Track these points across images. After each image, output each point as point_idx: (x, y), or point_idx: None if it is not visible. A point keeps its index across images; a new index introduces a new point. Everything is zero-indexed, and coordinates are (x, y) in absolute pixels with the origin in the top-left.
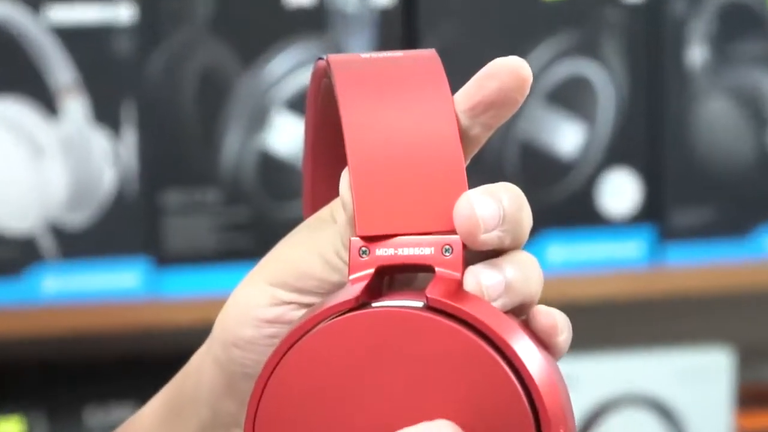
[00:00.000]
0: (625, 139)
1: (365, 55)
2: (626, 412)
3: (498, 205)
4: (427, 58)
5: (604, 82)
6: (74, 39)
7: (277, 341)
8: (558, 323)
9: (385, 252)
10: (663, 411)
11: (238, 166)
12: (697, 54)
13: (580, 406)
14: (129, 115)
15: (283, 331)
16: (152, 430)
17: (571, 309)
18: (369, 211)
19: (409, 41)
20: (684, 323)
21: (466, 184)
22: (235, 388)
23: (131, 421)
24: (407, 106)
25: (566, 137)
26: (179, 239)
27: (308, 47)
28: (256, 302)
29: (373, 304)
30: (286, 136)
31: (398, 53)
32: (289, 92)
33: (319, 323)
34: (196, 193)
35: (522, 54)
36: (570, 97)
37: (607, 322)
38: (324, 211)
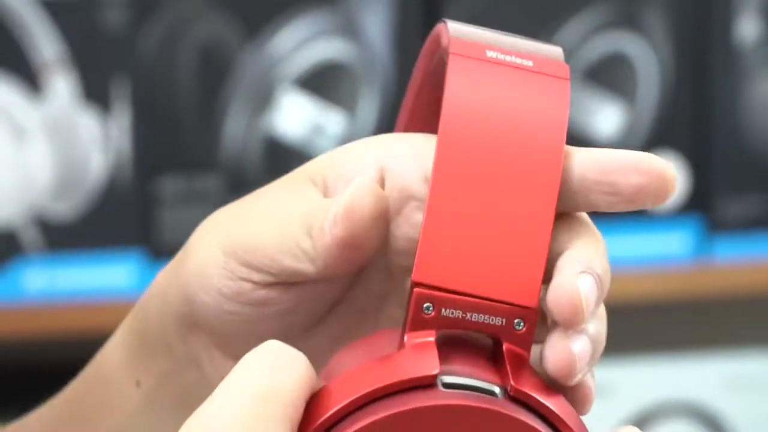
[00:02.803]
0: (669, 121)
1: (491, 54)
2: (668, 423)
3: (596, 282)
4: (556, 80)
5: (646, 58)
6: (60, 10)
7: (237, 318)
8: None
9: (452, 314)
10: (709, 422)
11: (241, 151)
12: (748, 27)
13: (617, 416)
14: (121, 94)
15: (245, 311)
16: (121, 366)
17: (608, 309)
18: (439, 255)
19: (431, 13)
20: (733, 325)
21: (546, 255)
22: (201, 322)
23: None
24: (515, 143)
25: (605, 119)
26: (176, 231)
27: (317, 19)
28: (212, 270)
29: (444, 379)
30: (293, 117)
31: (527, 59)
32: (297, 69)
33: (385, 396)
34: (195, 181)
35: (555, 28)
36: (609, 75)
37: (648, 324)
38: (314, 170)
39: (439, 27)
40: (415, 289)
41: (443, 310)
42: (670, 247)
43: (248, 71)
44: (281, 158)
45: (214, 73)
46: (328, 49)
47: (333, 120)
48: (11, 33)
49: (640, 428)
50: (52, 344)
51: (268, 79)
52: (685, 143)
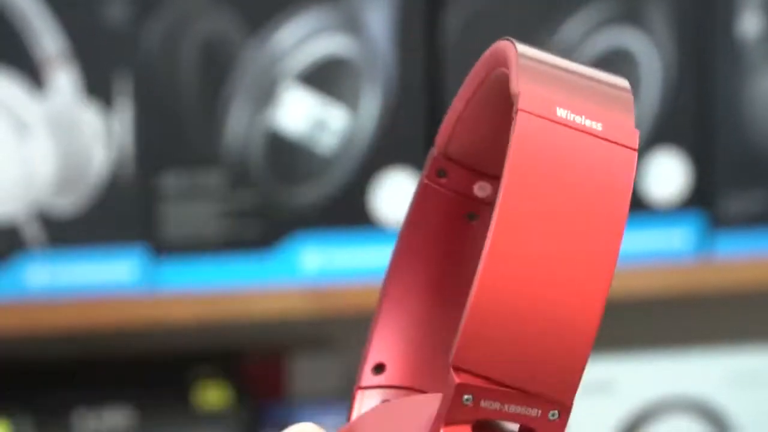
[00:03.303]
0: (671, 117)
1: (561, 113)
2: (670, 420)
3: None
4: (623, 149)
5: (648, 54)
6: (63, 5)
7: None
8: None
9: (490, 405)
10: (712, 418)
11: (244, 147)
12: (751, 23)
13: (618, 412)
14: (123, 89)
15: None
16: None
17: (611, 305)
18: (482, 341)
19: (433, 8)
20: (735, 321)
21: (591, 348)
22: None
23: None
24: (572, 227)
25: None
26: (179, 227)
27: (320, 15)
28: None
29: None
30: (296, 113)
31: (597, 120)
32: (300, 65)
33: None
34: (198, 176)
35: (558, 23)
36: (611, 71)
37: (650, 320)
38: None
39: (504, 46)
40: (458, 381)
41: (482, 401)
42: (672, 242)
43: (251, 67)
44: (284, 154)
45: (217, 69)
46: (331, 44)
47: (335, 116)
48: (14, 28)
49: (642, 424)
50: (55, 340)
51: (270, 75)
52: (688, 139)
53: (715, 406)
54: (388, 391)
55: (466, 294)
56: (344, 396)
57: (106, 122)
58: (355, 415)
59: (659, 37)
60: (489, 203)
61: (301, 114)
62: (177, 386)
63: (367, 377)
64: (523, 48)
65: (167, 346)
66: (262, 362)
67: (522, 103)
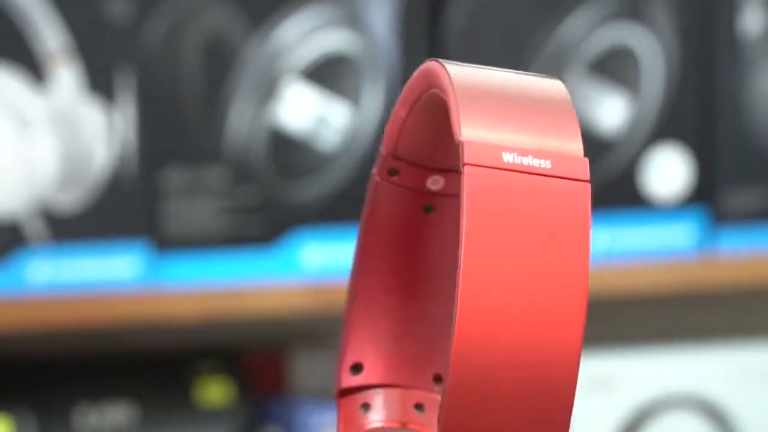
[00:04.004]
0: (673, 113)
1: (507, 158)
2: (673, 416)
3: None
4: (576, 183)
5: (650, 50)
6: (65, 1)
7: None
8: None
9: None
10: (715, 415)
11: (246, 143)
12: (752, 19)
13: (620, 409)
14: (125, 85)
15: None
16: None
17: (612, 301)
18: (465, 414)
19: (435, 4)
20: (738, 317)
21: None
22: None
23: None
24: (537, 263)
25: (609, 111)
26: (181, 223)
27: (322, 10)
28: None
29: None
30: (298, 109)
31: (545, 157)
32: (302, 61)
33: None
34: (200, 172)
35: (560, 19)
36: (613, 67)
37: (652, 316)
38: None
39: (438, 72)
40: None
41: None
42: (674, 239)
43: (253, 63)
44: (286, 150)
45: (219, 65)
46: (333, 41)
47: (337, 112)
48: (16, 24)
49: (644, 421)
50: (57, 336)
51: (272, 71)
52: (690, 135)
53: (718, 403)
54: (368, 392)
55: (430, 283)
56: None
57: (108, 118)
58: (342, 425)
59: (661, 34)
60: (443, 195)
61: (304, 110)
62: (178, 382)
63: (346, 378)
64: (455, 74)
65: (169, 343)
66: (264, 358)
67: (467, 156)
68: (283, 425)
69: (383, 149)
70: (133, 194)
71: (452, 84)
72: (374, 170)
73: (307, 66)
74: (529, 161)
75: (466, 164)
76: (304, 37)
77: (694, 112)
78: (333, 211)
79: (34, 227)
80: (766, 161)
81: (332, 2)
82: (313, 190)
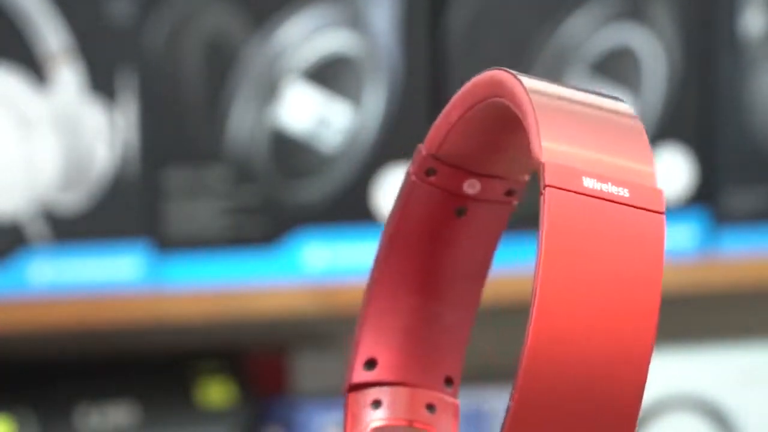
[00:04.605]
0: (674, 113)
1: (588, 183)
2: (674, 417)
3: None
4: (652, 215)
5: (652, 50)
6: (66, 1)
7: None
8: None
9: None
10: (717, 416)
11: (247, 143)
12: (754, 20)
13: None
14: (127, 85)
15: None
16: None
17: None
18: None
19: (437, 4)
20: (740, 318)
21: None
22: None
23: None
24: (612, 291)
25: None
26: (182, 223)
27: (323, 11)
28: None
29: None
30: (299, 109)
31: (623, 186)
32: (303, 61)
33: None
34: (201, 173)
35: (561, 20)
36: (614, 68)
37: None
38: None
39: (510, 82)
40: None
41: None
42: (676, 239)
43: (254, 63)
44: (287, 150)
45: (221, 65)
46: (334, 41)
47: (339, 112)
48: (18, 24)
49: (646, 422)
50: (58, 336)
51: (274, 71)
52: (691, 136)
53: (719, 404)
54: (380, 388)
55: (452, 286)
56: None
57: (110, 119)
58: (350, 419)
59: (663, 34)
60: (478, 199)
61: (305, 111)
62: (180, 383)
63: (359, 373)
64: (532, 88)
65: (170, 343)
66: (265, 359)
67: (549, 178)
68: (285, 426)
69: (424, 149)
70: (134, 194)
71: (531, 100)
72: (410, 169)
73: (309, 66)
74: (608, 188)
75: (548, 186)
76: (305, 37)
77: (695, 113)
78: (334, 211)
79: (36, 227)
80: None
81: (333, 3)
82: (314, 190)
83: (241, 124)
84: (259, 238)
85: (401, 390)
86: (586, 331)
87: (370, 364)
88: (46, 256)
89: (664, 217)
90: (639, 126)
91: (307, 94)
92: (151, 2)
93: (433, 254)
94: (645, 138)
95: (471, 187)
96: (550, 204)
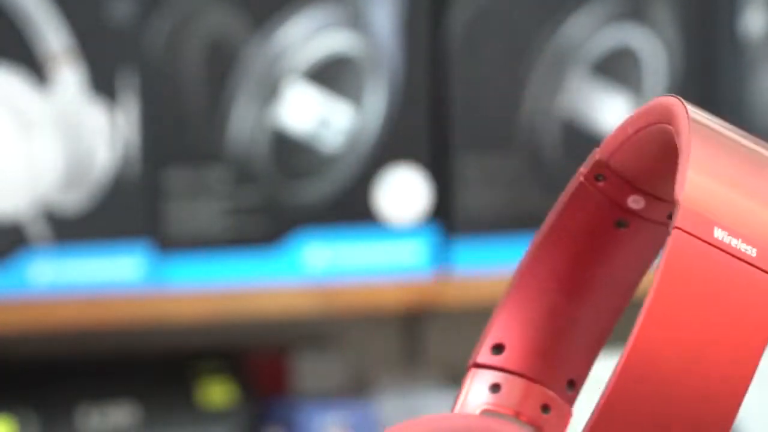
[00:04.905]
0: None
1: (718, 234)
2: None
3: None
4: None
5: (653, 51)
6: (68, 2)
7: None
8: None
9: None
10: None
11: (248, 144)
12: (755, 20)
13: None
14: (128, 85)
15: None
16: None
17: None
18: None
19: (438, 4)
20: None
21: None
22: None
23: None
24: (711, 347)
25: (611, 112)
26: (183, 223)
27: (324, 11)
28: None
29: None
30: (300, 110)
31: (753, 244)
32: (304, 61)
33: None
34: (202, 173)
35: (561, 21)
36: (615, 68)
37: None
38: None
39: (679, 113)
40: None
41: None
42: None
43: (255, 64)
44: (288, 151)
45: (221, 66)
46: (335, 41)
47: (340, 113)
48: (19, 25)
49: None
50: (59, 337)
51: (274, 72)
52: None
53: None
54: (500, 374)
55: (595, 294)
56: (348, 393)
57: (111, 119)
58: (463, 394)
59: (663, 35)
60: (640, 216)
61: (306, 111)
62: (181, 383)
63: (484, 355)
64: (696, 126)
65: (171, 343)
66: (266, 359)
67: (680, 220)
68: (286, 426)
69: (599, 153)
70: (135, 195)
71: (690, 135)
72: (582, 169)
73: (310, 67)
74: (736, 244)
75: (677, 228)
76: (306, 37)
77: None
78: (335, 211)
79: (37, 228)
80: None
81: (334, 3)
82: (315, 190)
83: (241, 124)
84: (259, 239)
85: (520, 381)
86: (673, 385)
87: (498, 348)
88: (47, 257)
89: None
90: None
91: (307, 94)
92: (151, 2)
93: (586, 258)
94: None
95: (636, 202)
96: (673, 246)
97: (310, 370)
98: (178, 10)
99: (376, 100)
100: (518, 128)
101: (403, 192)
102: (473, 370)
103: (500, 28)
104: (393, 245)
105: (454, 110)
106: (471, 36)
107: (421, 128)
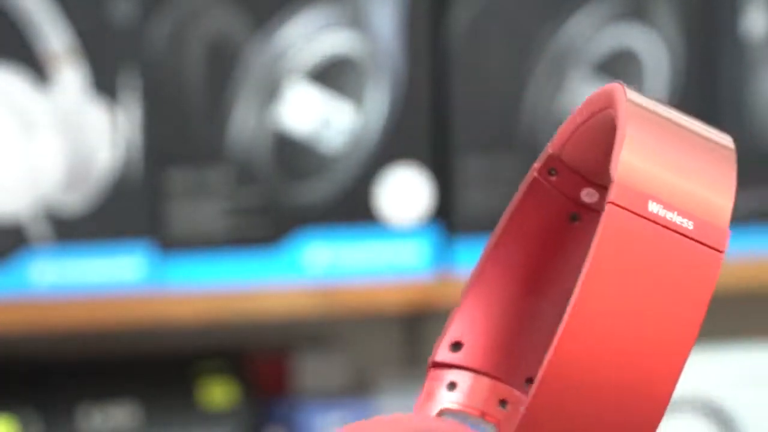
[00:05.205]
0: None
1: (653, 208)
2: (677, 419)
3: None
4: (710, 252)
5: (654, 51)
6: (69, 2)
7: None
8: None
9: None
10: (720, 418)
11: (250, 144)
12: (756, 22)
13: None
14: (129, 86)
15: None
16: None
17: None
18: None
19: (438, 5)
20: (747, 318)
21: None
22: None
23: None
24: (648, 318)
25: None
26: (185, 224)
27: (326, 12)
28: None
29: None
30: (301, 110)
31: (689, 217)
32: (305, 62)
33: None
34: (204, 173)
35: (563, 21)
36: (616, 68)
37: None
38: None
39: (615, 90)
40: None
41: None
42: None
43: (256, 64)
44: (289, 151)
45: (223, 66)
46: (337, 42)
47: (341, 113)
48: (21, 25)
49: None
50: (60, 337)
51: (276, 72)
52: None
53: (724, 406)
54: (458, 372)
55: (552, 287)
56: (349, 393)
57: (112, 119)
58: (423, 394)
59: (665, 35)
60: (593, 209)
61: (307, 111)
62: (182, 383)
63: (443, 353)
64: (632, 107)
65: (173, 344)
66: (268, 359)
67: (614, 195)
68: (287, 426)
69: (550, 147)
70: (137, 195)
71: (626, 113)
72: (536, 164)
73: (311, 67)
74: (672, 217)
75: (610, 203)
76: (307, 38)
77: (697, 114)
78: (336, 212)
79: (38, 228)
80: None
81: (336, 3)
82: (316, 191)
83: (243, 124)
84: (261, 239)
85: (480, 379)
86: (611, 355)
87: (456, 345)
88: (49, 257)
89: (721, 256)
90: (730, 159)
91: (309, 94)
92: (153, 3)
93: (542, 254)
94: (732, 173)
95: (589, 195)
96: (607, 221)
97: (311, 370)
98: (180, 11)
99: (378, 101)
100: (519, 128)
101: (404, 192)
102: (432, 370)
103: (501, 29)
104: (394, 245)
105: (455, 110)
106: (472, 36)
107: (422, 128)
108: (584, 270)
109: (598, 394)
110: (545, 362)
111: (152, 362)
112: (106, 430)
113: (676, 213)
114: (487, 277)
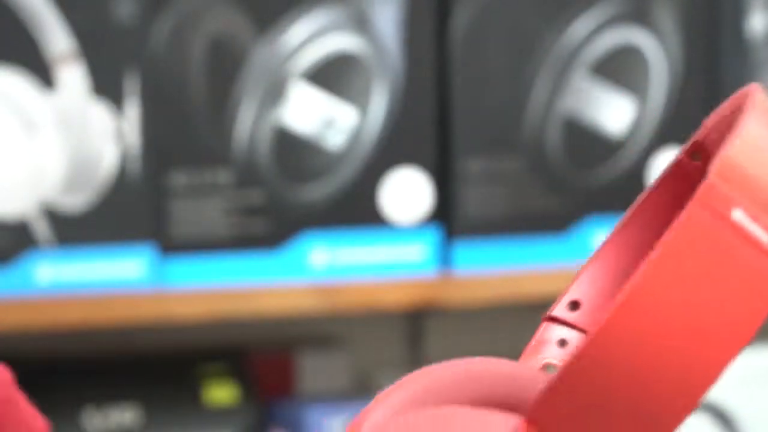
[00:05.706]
0: (678, 115)
1: (736, 215)
2: None
3: None
4: None
5: (656, 52)
6: (72, 2)
7: None
8: None
9: None
10: (721, 417)
11: (252, 144)
12: (758, 21)
13: None
14: (132, 87)
15: None
16: None
17: None
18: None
19: (441, 6)
20: None
21: None
22: None
23: None
24: (699, 328)
25: (614, 113)
26: (187, 225)
27: (328, 12)
28: None
29: None
30: (304, 111)
31: None
32: (308, 63)
33: None
34: (206, 174)
35: (565, 22)
36: (618, 69)
37: None
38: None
39: (751, 92)
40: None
41: None
42: None
43: (259, 65)
44: (292, 151)
45: (226, 67)
46: (339, 42)
47: (344, 113)
48: (23, 26)
49: None
50: (63, 337)
51: (279, 73)
52: None
53: (725, 405)
54: (572, 331)
55: None
56: (353, 393)
57: (114, 120)
58: (532, 344)
59: (666, 36)
60: None
61: (310, 112)
62: (185, 383)
63: (560, 309)
64: (762, 106)
65: (175, 344)
66: (271, 359)
67: (700, 194)
68: (290, 426)
69: (698, 134)
70: (139, 196)
71: (749, 113)
72: (682, 148)
73: (314, 68)
74: (752, 228)
75: (695, 198)
76: (310, 38)
77: (699, 114)
78: (339, 212)
79: (41, 229)
80: None
81: (338, 4)
82: (319, 191)
83: (245, 125)
84: (263, 239)
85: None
86: (658, 339)
87: (574, 305)
88: (51, 257)
89: None
90: None
91: (311, 95)
92: (156, 4)
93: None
94: None
95: None
96: (685, 218)
97: (313, 370)
98: (182, 11)
99: (380, 102)
100: (521, 129)
101: (406, 193)
102: (546, 323)
103: (503, 30)
104: (396, 245)
105: (457, 111)
106: (474, 37)
107: (424, 129)
108: (646, 262)
109: (637, 374)
110: (592, 332)
111: (155, 362)
112: (109, 430)
113: (758, 225)
114: (615, 244)
